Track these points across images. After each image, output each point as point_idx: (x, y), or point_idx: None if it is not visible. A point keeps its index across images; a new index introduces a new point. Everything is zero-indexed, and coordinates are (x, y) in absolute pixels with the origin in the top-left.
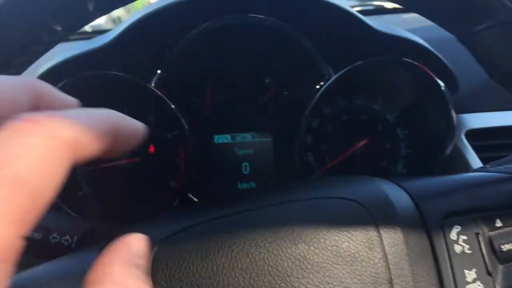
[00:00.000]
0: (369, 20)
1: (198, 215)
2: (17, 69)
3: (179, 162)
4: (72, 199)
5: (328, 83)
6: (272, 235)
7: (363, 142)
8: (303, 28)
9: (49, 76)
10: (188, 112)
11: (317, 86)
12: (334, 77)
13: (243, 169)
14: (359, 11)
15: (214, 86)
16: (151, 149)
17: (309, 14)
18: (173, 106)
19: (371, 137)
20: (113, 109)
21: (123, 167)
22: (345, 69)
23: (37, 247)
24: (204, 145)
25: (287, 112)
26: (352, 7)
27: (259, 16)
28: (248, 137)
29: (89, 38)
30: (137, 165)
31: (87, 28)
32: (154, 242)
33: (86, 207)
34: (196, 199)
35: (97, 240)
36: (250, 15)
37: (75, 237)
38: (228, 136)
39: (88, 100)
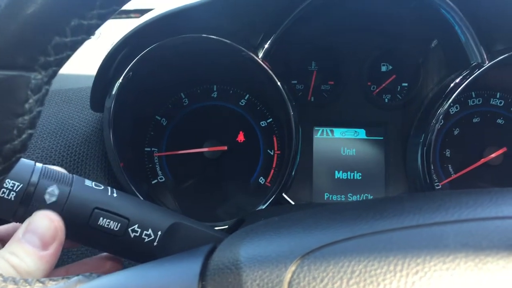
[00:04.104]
0: None
1: (339, 227)
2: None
3: (271, 155)
4: (144, 187)
5: (477, 72)
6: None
7: (499, 152)
8: None
9: (138, 35)
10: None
11: (456, 77)
12: (487, 65)
13: None
14: None
15: (320, 70)
16: (240, 137)
17: None
18: (281, 86)
19: (510, 146)
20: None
21: (205, 154)
22: (505, 55)
23: (112, 241)
24: (303, 138)
25: (406, 108)
26: None
27: None
28: (355, 133)
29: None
30: (222, 154)
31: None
32: (291, 255)
33: (159, 197)
34: (292, 202)
35: (182, 239)
36: None
37: (159, 233)
38: (331, 130)
39: (179, 63)
